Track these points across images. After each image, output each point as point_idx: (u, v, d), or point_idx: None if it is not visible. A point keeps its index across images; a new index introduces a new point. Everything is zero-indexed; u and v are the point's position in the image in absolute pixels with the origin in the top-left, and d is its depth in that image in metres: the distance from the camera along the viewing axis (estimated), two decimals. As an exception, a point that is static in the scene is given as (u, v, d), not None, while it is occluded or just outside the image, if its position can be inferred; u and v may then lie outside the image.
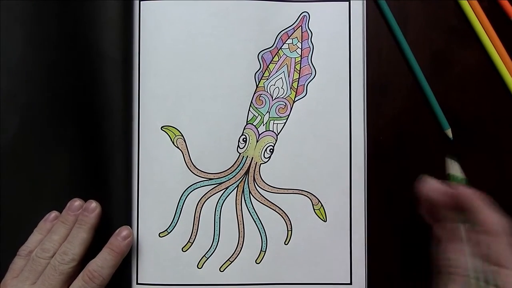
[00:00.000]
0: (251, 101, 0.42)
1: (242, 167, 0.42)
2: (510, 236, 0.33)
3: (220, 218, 0.42)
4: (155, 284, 0.41)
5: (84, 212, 0.39)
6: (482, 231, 0.33)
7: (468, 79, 0.43)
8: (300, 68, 0.43)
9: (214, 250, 0.41)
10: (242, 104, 0.42)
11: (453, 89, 0.43)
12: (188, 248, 0.41)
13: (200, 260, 0.41)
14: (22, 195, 0.41)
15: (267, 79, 0.42)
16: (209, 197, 0.42)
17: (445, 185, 0.36)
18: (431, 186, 0.37)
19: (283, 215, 0.42)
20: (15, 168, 0.41)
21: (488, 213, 0.33)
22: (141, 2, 0.42)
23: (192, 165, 0.42)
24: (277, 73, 0.43)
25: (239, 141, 0.42)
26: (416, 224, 0.42)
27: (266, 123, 0.42)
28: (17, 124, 0.41)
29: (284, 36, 0.43)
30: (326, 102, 0.42)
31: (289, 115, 0.42)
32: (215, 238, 0.42)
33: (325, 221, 0.42)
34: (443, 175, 0.42)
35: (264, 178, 0.42)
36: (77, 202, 0.40)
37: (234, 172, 0.42)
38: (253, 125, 0.42)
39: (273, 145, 0.42)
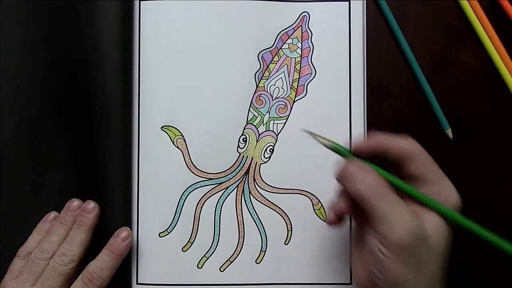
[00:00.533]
0: (251, 101, 0.42)
1: (242, 167, 0.42)
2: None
3: (220, 218, 0.42)
4: (155, 284, 0.41)
5: (82, 212, 0.39)
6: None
7: (468, 79, 0.43)
8: (300, 68, 0.42)
9: (214, 250, 0.41)
10: (242, 104, 0.42)
11: (453, 89, 0.43)
12: (188, 248, 0.41)
13: (200, 260, 0.41)
14: (21, 195, 0.41)
15: (267, 79, 0.42)
16: (209, 197, 0.42)
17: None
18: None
19: (283, 215, 0.42)
20: (14, 168, 0.41)
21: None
22: (141, 2, 0.42)
23: (192, 165, 0.42)
24: (277, 73, 0.43)
25: (239, 141, 0.42)
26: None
27: (266, 123, 0.42)
28: (16, 124, 0.41)
29: (284, 36, 0.43)
30: (326, 102, 0.42)
31: (289, 115, 0.42)
32: (215, 238, 0.41)
33: (325, 221, 0.42)
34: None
35: (264, 178, 0.42)
36: (75, 203, 0.40)
37: (234, 172, 0.42)
38: (253, 125, 0.42)
39: (273, 145, 0.42)
